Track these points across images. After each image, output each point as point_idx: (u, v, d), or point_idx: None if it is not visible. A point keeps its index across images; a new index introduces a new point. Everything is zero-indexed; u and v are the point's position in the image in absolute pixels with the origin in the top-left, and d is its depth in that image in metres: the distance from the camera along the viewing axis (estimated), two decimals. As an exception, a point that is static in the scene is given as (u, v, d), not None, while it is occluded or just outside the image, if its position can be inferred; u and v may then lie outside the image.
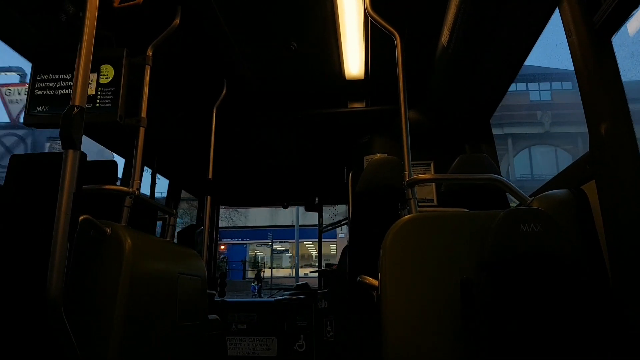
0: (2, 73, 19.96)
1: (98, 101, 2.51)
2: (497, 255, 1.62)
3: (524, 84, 28.61)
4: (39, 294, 1.62)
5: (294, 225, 30.33)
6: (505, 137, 27.55)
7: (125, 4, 2.48)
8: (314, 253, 34.70)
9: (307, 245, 34.97)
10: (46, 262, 1.62)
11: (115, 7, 2.47)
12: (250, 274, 30.99)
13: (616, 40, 1.71)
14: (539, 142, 27.89)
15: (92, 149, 2.68)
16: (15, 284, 1.77)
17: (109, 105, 2.50)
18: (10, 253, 1.80)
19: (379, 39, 3.18)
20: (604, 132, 1.63)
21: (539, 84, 28.67)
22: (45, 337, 1.71)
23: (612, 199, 1.60)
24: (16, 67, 19.97)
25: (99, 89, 2.52)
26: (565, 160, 25.20)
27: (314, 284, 5.73)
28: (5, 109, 18.95)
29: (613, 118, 1.62)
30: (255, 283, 23.79)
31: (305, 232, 30.29)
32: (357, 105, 4.19)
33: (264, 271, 29.49)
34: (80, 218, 1.84)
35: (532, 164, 28.16)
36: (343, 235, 24.69)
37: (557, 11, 1.96)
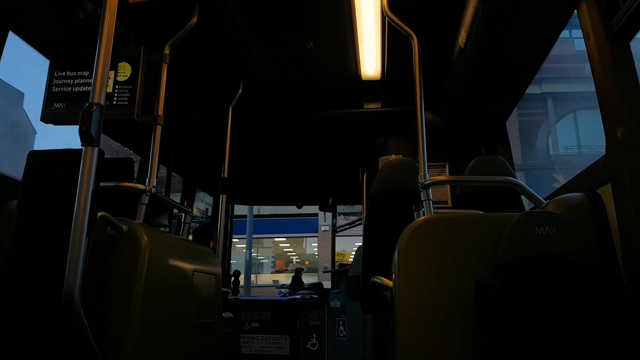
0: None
1: (115, 99, 2.52)
2: (511, 257, 1.62)
3: (566, 30, 20.18)
4: (56, 290, 1.63)
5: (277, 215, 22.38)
6: (545, 98, 20.27)
7: (140, 0, 2.50)
8: (294, 257, 26.56)
9: (280, 244, 26.07)
10: (64, 259, 1.63)
11: (130, 3, 2.48)
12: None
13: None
14: (586, 105, 20.47)
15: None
16: (33, 280, 1.79)
17: (126, 103, 2.52)
18: (28, 249, 1.82)
19: (396, 39, 3.17)
20: (621, 135, 1.62)
21: (585, 31, 20.61)
22: (63, 333, 1.73)
23: (628, 203, 1.58)
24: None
25: (116, 87, 2.54)
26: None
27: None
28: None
29: (630, 122, 1.61)
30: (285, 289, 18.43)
31: (280, 224, 22.92)
32: (372, 106, 4.19)
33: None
34: (98, 215, 1.85)
35: (579, 133, 20.69)
36: (327, 228, 20.85)
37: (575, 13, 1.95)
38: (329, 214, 21.99)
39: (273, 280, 22.77)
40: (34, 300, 1.77)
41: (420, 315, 1.76)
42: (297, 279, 16.79)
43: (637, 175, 1.55)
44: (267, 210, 21.95)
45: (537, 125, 20.86)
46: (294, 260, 26.64)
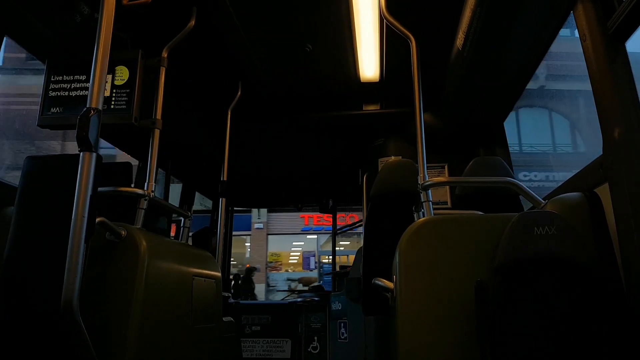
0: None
1: (113, 103, 2.51)
2: (511, 257, 1.62)
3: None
4: (55, 297, 1.63)
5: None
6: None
7: (134, 2, 2.48)
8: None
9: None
10: (62, 265, 1.62)
11: (124, 5, 2.46)
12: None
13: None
14: (529, 103, 18.32)
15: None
16: (31, 287, 1.78)
17: (123, 107, 2.50)
18: (25, 256, 1.81)
19: (394, 41, 3.17)
20: (618, 135, 1.63)
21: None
22: (62, 340, 1.72)
23: (625, 202, 1.59)
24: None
25: (114, 91, 2.52)
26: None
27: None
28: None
29: (626, 122, 1.63)
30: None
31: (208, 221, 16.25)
32: (371, 108, 4.18)
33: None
34: (96, 220, 1.84)
35: (520, 131, 18.38)
36: (261, 226, 20.09)
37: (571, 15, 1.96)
38: (263, 211, 20.97)
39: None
40: (32, 307, 1.76)
41: (422, 316, 1.76)
42: (247, 280, 15.51)
43: (634, 174, 1.56)
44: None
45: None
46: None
